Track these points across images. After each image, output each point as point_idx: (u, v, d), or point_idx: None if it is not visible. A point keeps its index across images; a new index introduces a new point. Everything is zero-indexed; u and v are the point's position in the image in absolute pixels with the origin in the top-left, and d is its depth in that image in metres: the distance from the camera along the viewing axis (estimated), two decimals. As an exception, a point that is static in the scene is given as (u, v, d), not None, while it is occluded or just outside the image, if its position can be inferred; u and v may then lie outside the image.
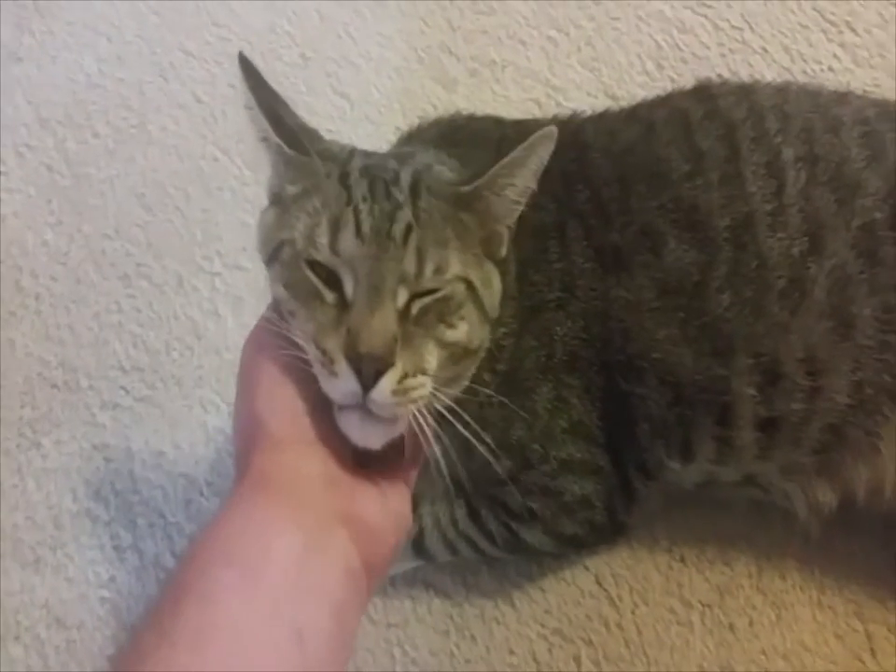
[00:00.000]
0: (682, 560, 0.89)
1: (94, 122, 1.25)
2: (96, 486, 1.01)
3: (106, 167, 1.21)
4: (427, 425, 0.59)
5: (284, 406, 0.57)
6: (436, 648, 0.89)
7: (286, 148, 0.64)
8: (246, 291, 1.10)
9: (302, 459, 0.55)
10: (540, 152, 0.63)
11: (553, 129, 0.63)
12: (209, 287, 1.10)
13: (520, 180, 0.64)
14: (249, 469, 0.55)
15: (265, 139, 0.66)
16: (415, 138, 0.88)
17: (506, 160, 0.63)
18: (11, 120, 1.26)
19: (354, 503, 0.55)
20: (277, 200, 0.67)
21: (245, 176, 1.18)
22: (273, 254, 0.64)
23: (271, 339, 0.60)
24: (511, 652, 0.88)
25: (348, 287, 0.59)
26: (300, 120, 0.68)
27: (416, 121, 1.15)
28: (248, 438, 0.57)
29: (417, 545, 0.86)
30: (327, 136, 0.70)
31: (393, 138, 1.15)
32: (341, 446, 0.58)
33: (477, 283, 0.63)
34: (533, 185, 0.65)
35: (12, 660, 0.93)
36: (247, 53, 1.22)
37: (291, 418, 0.57)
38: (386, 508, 0.58)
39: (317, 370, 0.57)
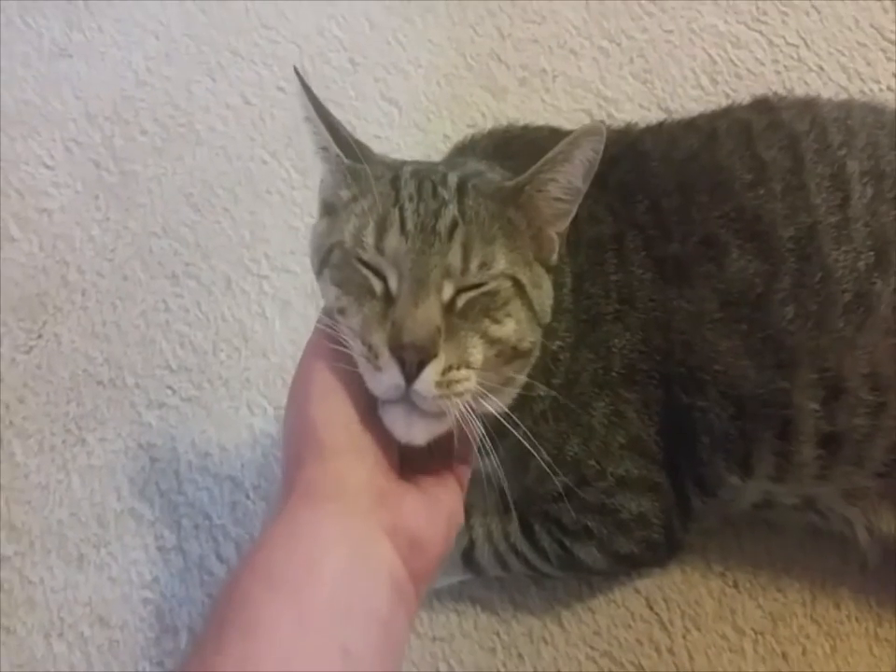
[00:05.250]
0: (735, 585, 0.88)
1: (142, 120, 1.25)
2: (141, 485, 1.00)
3: (154, 165, 1.21)
4: (475, 423, 0.58)
5: (336, 413, 0.57)
6: (482, 665, 0.88)
7: (344, 158, 0.65)
8: (294, 295, 1.09)
9: (351, 468, 0.55)
10: (586, 148, 0.62)
11: (601, 124, 0.62)
12: (257, 290, 1.10)
13: (563, 176, 0.63)
14: (297, 482, 0.54)
15: (325, 149, 0.67)
16: (468, 150, 0.87)
17: (548, 155, 0.62)
18: (59, 116, 1.26)
19: (401, 513, 0.54)
20: (329, 210, 0.68)
21: (293, 180, 1.17)
22: (324, 259, 0.64)
23: (327, 347, 0.59)
24: (560, 674, 0.87)
25: (393, 283, 0.59)
26: (353, 135, 0.69)
27: (465, 129, 1.16)
28: (299, 445, 0.56)
29: (467, 557, 0.85)
30: (375, 142, 0.70)
31: (442, 146, 1.16)
32: (390, 453, 0.57)
33: (525, 281, 0.63)
34: (581, 184, 0.64)
35: (55, 656, 0.92)
36: (296, 56, 1.26)
37: (344, 426, 0.56)
38: (435, 515, 0.57)
39: (362, 366, 0.57)
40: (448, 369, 0.56)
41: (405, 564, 0.53)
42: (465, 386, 0.57)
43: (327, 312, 0.63)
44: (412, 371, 0.55)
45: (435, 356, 0.55)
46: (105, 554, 0.97)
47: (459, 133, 1.15)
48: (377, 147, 0.72)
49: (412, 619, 0.54)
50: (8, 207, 1.20)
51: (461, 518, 0.61)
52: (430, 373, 0.55)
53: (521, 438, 0.62)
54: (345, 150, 0.65)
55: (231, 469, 1.00)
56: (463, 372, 0.57)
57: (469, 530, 0.84)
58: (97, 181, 1.21)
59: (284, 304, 1.09)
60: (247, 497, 0.98)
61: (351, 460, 0.55)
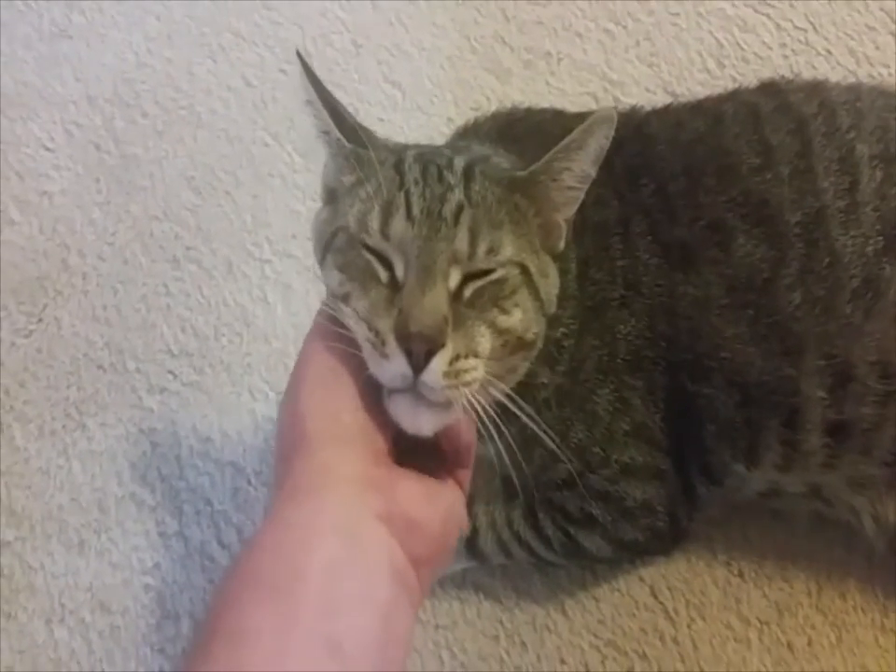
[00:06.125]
0: (740, 575, 0.87)
1: (143, 102, 1.24)
2: (142, 471, 1.00)
3: (155, 148, 1.20)
4: (485, 414, 0.58)
5: (326, 403, 0.56)
6: (485, 652, 0.87)
7: (346, 142, 0.64)
8: (296, 279, 1.08)
9: (339, 459, 0.53)
10: (599, 135, 0.61)
11: (613, 110, 0.61)
12: (259, 274, 1.09)
13: (577, 165, 0.62)
14: (286, 478, 0.53)
15: (326, 133, 0.66)
16: (471, 133, 0.86)
17: (563, 143, 0.61)
18: (60, 97, 1.25)
19: (394, 499, 0.53)
20: (332, 198, 0.67)
21: (295, 163, 1.16)
22: (327, 244, 0.63)
23: (323, 336, 0.59)
24: (563, 662, 0.86)
25: (399, 270, 0.58)
26: (355, 119, 0.68)
27: (469, 112, 1.15)
28: (289, 440, 0.56)
29: (470, 545, 0.84)
30: (378, 125, 0.69)
31: (445, 129, 1.15)
32: (383, 444, 0.56)
33: (533, 269, 0.62)
34: (592, 171, 0.63)
35: (56, 642, 0.92)
36: (298, 38, 1.24)
37: (332, 416, 0.55)
38: (433, 501, 0.56)
39: (367, 352, 0.56)
40: (456, 358, 0.55)
41: (403, 547, 0.52)
42: (473, 375, 0.57)
43: (330, 300, 0.62)
44: (419, 362, 0.54)
45: (443, 345, 0.55)
46: (106, 540, 0.97)
47: (463, 115, 1.14)
48: (381, 131, 0.70)
49: (416, 604, 0.53)
50: (8, 190, 1.19)
51: (462, 518, 0.60)
52: (438, 363, 0.54)
53: (527, 421, 0.61)
54: (347, 134, 0.64)
55: (233, 455, 0.99)
56: (471, 361, 0.57)
57: (473, 518, 0.84)
58: (98, 164, 1.20)
59: (286, 289, 1.08)
60: (249, 482, 0.98)
61: (339, 451, 0.54)
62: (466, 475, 0.62)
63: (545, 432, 0.63)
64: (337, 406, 0.55)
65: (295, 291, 1.08)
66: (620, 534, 0.79)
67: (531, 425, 0.62)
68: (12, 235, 1.15)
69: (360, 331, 0.57)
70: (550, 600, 0.89)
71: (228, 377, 1.04)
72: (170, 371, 1.05)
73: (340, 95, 0.66)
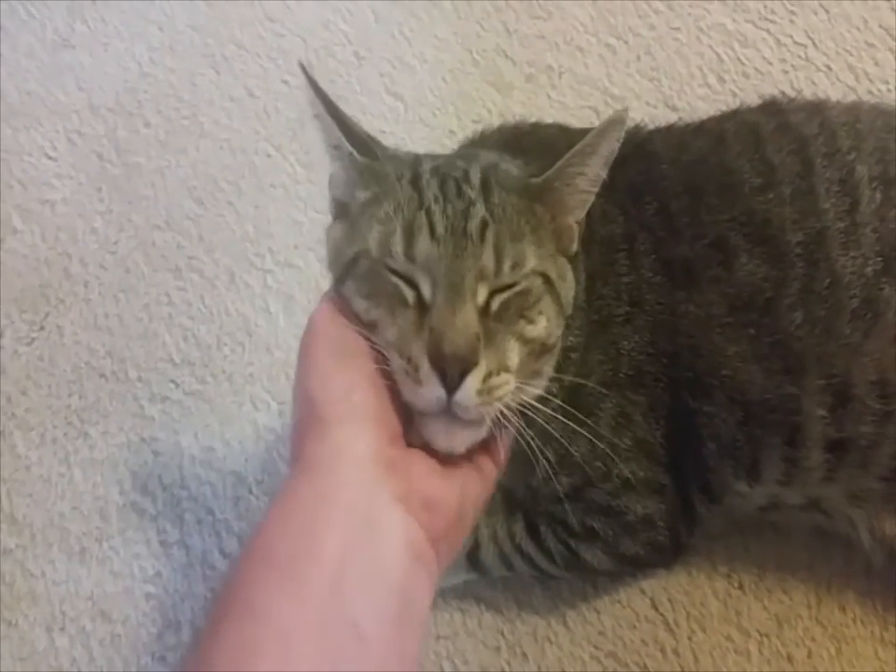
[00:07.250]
0: (741, 587, 0.88)
1: (145, 112, 1.24)
2: (144, 479, 1.00)
3: (157, 157, 1.20)
4: (509, 420, 0.58)
5: (337, 384, 0.56)
6: (486, 664, 0.87)
7: (357, 156, 0.64)
8: (298, 290, 1.09)
9: (353, 439, 0.54)
10: (611, 138, 0.62)
11: (625, 112, 0.62)
12: (261, 284, 1.10)
13: (590, 169, 0.63)
14: (299, 459, 0.54)
15: (336, 147, 0.65)
16: (478, 144, 0.86)
17: (576, 148, 0.62)
18: (63, 107, 1.26)
19: (410, 476, 0.54)
20: (344, 213, 0.67)
21: (297, 174, 1.17)
22: (347, 269, 0.63)
23: (330, 317, 0.59)
24: (564, 673, 0.87)
25: (426, 291, 0.58)
26: (364, 130, 0.67)
27: (471, 125, 1.16)
28: (302, 421, 0.56)
29: (472, 557, 0.84)
30: (380, 137, 0.69)
31: (447, 141, 1.15)
32: (398, 425, 0.57)
33: (554, 276, 0.63)
34: (603, 173, 0.64)
35: (57, 650, 0.92)
36: (301, 50, 1.25)
37: (343, 397, 0.55)
38: (447, 478, 0.57)
39: (401, 379, 0.56)
40: (488, 375, 0.55)
41: (422, 525, 0.52)
42: (504, 391, 0.57)
43: (355, 320, 0.61)
44: (453, 382, 0.54)
45: (476, 364, 0.55)
46: (108, 548, 0.97)
47: (465, 128, 1.15)
48: (383, 142, 0.70)
49: (433, 578, 0.53)
50: (11, 199, 1.19)
51: (479, 497, 0.60)
52: (472, 382, 0.55)
53: (558, 415, 0.62)
54: (358, 147, 0.64)
55: (235, 464, 1.00)
56: (503, 377, 0.57)
57: (475, 531, 0.84)
58: (100, 173, 1.20)
59: (288, 299, 1.09)
60: (251, 492, 0.98)
61: (353, 430, 0.54)
62: (490, 467, 0.62)
63: (541, 450, 0.63)
64: (349, 383, 0.56)
65: (297, 301, 1.08)
66: (621, 548, 0.80)
67: (566, 425, 0.63)
68: (14, 244, 1.16)
69: (394, 361, 0.57)
70: (551, 612, 0.89)
71: (230, 387, 1.04)
72: (172, 381, 1.05)
73: (342, 107, 0.66)
